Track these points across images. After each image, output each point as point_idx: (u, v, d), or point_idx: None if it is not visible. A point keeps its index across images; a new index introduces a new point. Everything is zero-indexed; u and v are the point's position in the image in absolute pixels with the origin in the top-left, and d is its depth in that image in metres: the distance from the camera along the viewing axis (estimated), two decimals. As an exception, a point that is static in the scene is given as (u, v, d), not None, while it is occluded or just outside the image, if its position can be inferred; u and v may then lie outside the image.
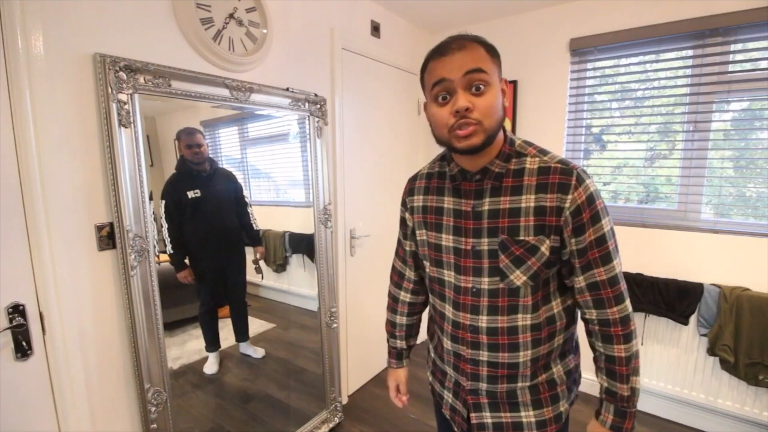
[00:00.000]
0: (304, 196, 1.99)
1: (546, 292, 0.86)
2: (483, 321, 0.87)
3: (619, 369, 0.83)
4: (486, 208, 0.84)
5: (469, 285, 0.87)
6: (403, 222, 1.06)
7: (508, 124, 2.55)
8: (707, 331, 1.94)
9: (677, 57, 2.08)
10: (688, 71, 2.06)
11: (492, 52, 0.79)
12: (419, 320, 1.17)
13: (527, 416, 0.90)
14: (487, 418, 0.93)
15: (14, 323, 1.08)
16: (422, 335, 1.42)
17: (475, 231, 0.85)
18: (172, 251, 1.51)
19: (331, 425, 2.10)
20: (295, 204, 2.02)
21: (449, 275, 0.91)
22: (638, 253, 2.17)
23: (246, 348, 1.86)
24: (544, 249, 0.80)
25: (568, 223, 0.79)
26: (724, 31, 1.91)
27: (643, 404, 2.23)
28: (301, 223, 1.98)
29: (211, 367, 1.69)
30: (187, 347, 1.58)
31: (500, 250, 0.82)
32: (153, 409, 1.34)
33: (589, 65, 2.30)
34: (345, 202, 2.25)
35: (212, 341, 1.70)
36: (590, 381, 2.38)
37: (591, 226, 0.79)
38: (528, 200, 0.80)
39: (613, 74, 2.27)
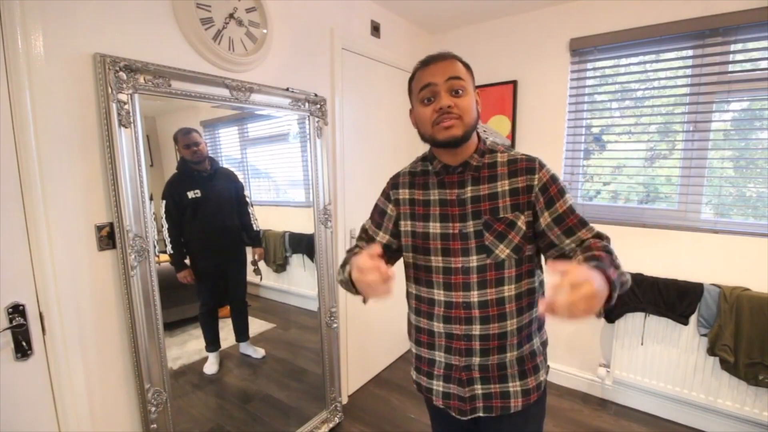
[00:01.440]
0: (304, 196, 1.99)
1: (529, 267, 0.98)
2: (474, 296, 0.97)
3: (598, 254, 0.81)
4: (469, 195, 0.97)
5: (459, 265, 0.97)
6: (382, 213, 1.09)
7: (507, 125, 2.56)
8: (707, 331, 1.94)
9: (677, 57, 2.08)
10: (688, 71, 2.06)
11: (467, 67, 0.96)
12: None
13: (514, 386, 1.01)
14: (478, 390, 1.01)
15: (14, 323, 1.08)
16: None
17: (461, 216, 0.97)
18: (172, 251, 1.51)
19: (331, 425, 2.10)
20: (295, 204, 2.02)
21: (437, 260, 1.00)
22: (638, 253, 2.17)
23: (246, 348, 1.86)
24: (521, 224, 0.95)
25: (539, 198, 0.94)
26: (724, 31, 1.91)
27: (643, 404, 2.23)
28: (301, 223, 1.98)
29: (211, 367, 1.69)
30: (187, 347, 1.58)
31: (484, 229, 0.95)
32: (153, 409, 1.34)
33: (589, 65, 2.30)
34: (345, 202, 2.25)
35: (212, 341, 1.70)
36: (565, 373, 2.39)
37: (560, 198, 0.94)
38: (503, 185, 0.96)
39: (613, 74, 2.27)
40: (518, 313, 0.98)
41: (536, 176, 0.94)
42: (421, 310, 1.05)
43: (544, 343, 1.07)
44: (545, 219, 0.94)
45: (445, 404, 1.05)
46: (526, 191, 0.94)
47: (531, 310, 1.00)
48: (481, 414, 1.02)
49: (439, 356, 1.04)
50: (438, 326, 1.02)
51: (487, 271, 0.96)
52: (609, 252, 0.85)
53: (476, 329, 0.98)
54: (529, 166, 0.95)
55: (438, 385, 1.05)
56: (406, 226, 1.05)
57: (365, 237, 1.13)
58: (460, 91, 0.91)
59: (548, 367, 1.09)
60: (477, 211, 0.96)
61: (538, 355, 1.04)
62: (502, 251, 0.95)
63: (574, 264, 0.74)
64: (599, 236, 0.93)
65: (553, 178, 0.95)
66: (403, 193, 1.06)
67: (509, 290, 0.96)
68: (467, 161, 0.97)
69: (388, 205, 1.09)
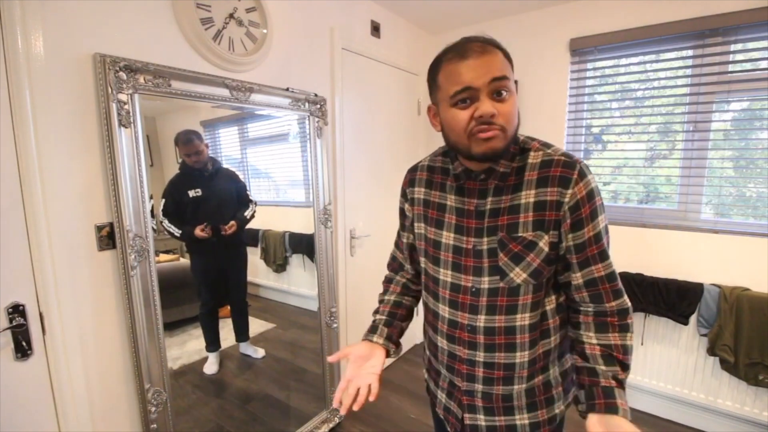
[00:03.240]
0: (304, 196, 1.99)
1: (547, 291, 0.85)
2: (481, 321, 0.86)
3: (617, 356, 0.81)
4: (488, 207, 0.83)
5: (469, 284, 0.86)
6: (402, 213, 1.04)
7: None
8: (707, 331, 1.94)
9: (677, 57, 2.08)
10: (688, 71, 2.06)
11: (509, 57, 0.78)
12: (409, 310, 1.05)
13: (521, 419, 0.90)
14: (481, 420, 0.92)
15: (14, 323, 1.08)
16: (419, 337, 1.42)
17: (477, 230, 0.85)
18: (179, 231, 1.53)
19: (331, 425, 2.10)
20: (295, 204, 2.02)
21: (445, 274, 0.90)
22: (638, 253, 2.17)
23: (246, 348, 1.86)
24: (543, 244, 0.80)
25: (566, 217, 0.79)
26: (724, 31, 1.91)
27: (643, 404, 2.23)
28: (301, 223, 1.98)
29: (211, 367, 1.69)
30: (187, 347, 1.58)
31: (499, 248, 0.82)
32: (153, 409, 1.34)
33: (589, 65, 2.30)
34: (345, 202, 2.25)
35: (212, 341, 1.70)
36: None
37: (590, 222, 0.79)
38: (528, 196, 0.80)
39: (613, 74, 2.27)
40: (531, 345, 0.85)
41: (569, 191, 0.77)
42: (428, 320, 0.99)
43: (565, 373, 0.92)
44: (567, 242, 0.80)
45: (444, 417, 1.00)
46: (555, 207, 0.78)
47: (548, 339, 0.87)
48: None
49: (443, 371, 0.97)
50: (442, 342, 0.93)
51: (498, 295, 0.83)
52: (625, 350, 0.80)
53: (480, 356, 0.87)
54: (565, 174, 0.78)
55: (441, 396, 1.00)
56: (419, 228, 0.95)
57: (398, 241, 1.08)
58: (504, 93, 0.74)
59: (571, 397, 0.94)
60: (493, 227, 0.82)
61: (555, 387, 0.90)
62: (518, 275, 0.81)
63: (612, 423, 0.73)
64: (623, 301, 0.82)
65: (590, 195, 0.78)
66: (418, 192, 0.96)
67: (522, 319, 0.84)
68: (492, 167, 0.81)
69: (405, 204, 1.01)
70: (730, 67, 1.94)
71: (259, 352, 1.90)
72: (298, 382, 2.04)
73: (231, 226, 1.69)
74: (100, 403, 1.28)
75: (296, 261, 2.03)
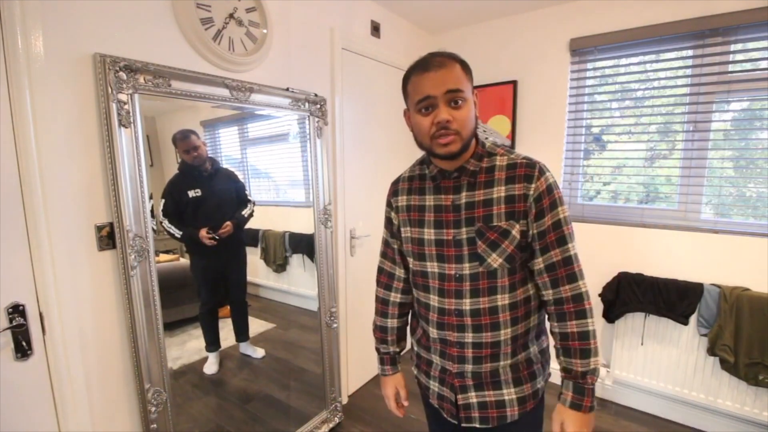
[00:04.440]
0: (304, 196, 1.99)
1: (523, 275, 0.97)
2: (467, 304, 0.96)
3: (572, 344, 0.92)
4: (463, 201, 0.95)
5: (453, 272, 0.96)
6: (388, 221, 1.12)
7: (507, 125, 2.56)
8: (707, 331, 1.94)
9: (677, 57, 2.08)
10: (688, 71, 2.06)
11: (466, 69, 0.91)
12: (407, 322, 1.19)
13: (509, 393, 0.99)
14: (473, 398, 1.00)
15: (14, 323, 1.08)
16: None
17: (455, 222, 0.95)
18: (180, 233, 1.53)
19: (331, 425, 2.10)
20: (295, 204, 2.02)
21: (432, 266, 0.99)
22: (638, 253, 2.17)
23: (246, 348, 1.86)
24: (515, 233, 0.92)
25: (532, 208, 0.91)
26: (724, 31, 1.91)
27: (644, 404, 2.23)
28: (301, 223, 1.98)
29: (211, 367, 1.69)
30: (187, 347, 1.58)
31: (477, 237, 0.93)
32: (153, 409, 1.34)
33: (589, 65, 2.30)
34: (345, 202, 2.25)
35: (212, 341, 1.70)
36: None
37: (549, 211, 0.91)
38: (499, 191, 0.92)
39: (613, 74, 2.27)
40: (513, 323, 0.96)
41: (533, 185, 0.91)
42: (420, 314, 1.08)
43: (543, 351, 1.05)
44: (533, 230, 0.92)
45: (439, 405, 1.07)
46: (522, 199, 0.91)
47: (527, 320, 0.98)
48: (477, 425, 1.01)
49: (435, 359, 1.06)
50: (433, 331, 1.03)
51: (479, 279, 0.94)
52: (582, 335, 0.92)
53: (469, 337, 0.97)
54: (528, 173, 0.91)
55: (434, 386, 1.07)
56: (406, 232, 1.05)
57: (386, 250, 1.16)
58: (459, 102, 0.88)
59: (549, 374, 1.08)
60: (470, 218, 0.94)
61: (536, 363, 1.02)
62: (495, 260, 0.93)
63: (568, 420, 0.94)
64: (577, 285, 0.92)
65: (549, 189, 0.91)
66: (402, 200, 1.06)
67: (502, 299, 0.95)
68: (463, 166, 0.95)
69: (391, 212, 1.10)
70: (730, 67, 1.94)
71: (259, 352, 1.90)
72: (298, 382, 2.04)
73: (225, 228, 1.68)
74: (100, 403, 1.28)
75: (296, 261, 2.03)
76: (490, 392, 0.99)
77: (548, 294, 0.95)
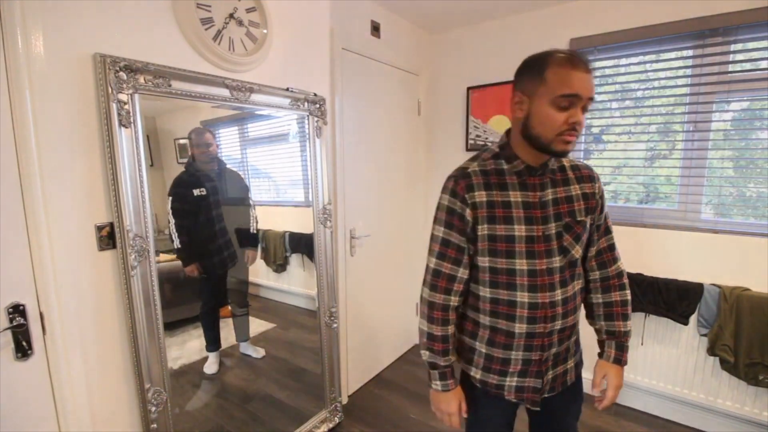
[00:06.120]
0: (304, 195, 1.99)
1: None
2: (558, 295, 1.01)
3: (616, 310, 1.11)
4: (549, 197, 1.01)
5: (544, 267, 1.00)
6: (459, 218, 1.01)
7: (507, 125, 2.55)
8: (707, 331, 1.94)
9: (677, 57, 2.08)
10: (688, 71, 2.06)
11: None
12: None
13: (570, 364, 1.12)
14: (549, 374, 1.08)
15: (14, 323, 1.08)
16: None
17: (544, 218, 1.00)
18: (179, 245, 1.51)
19: (330, 425, 2.10)
20: (294, 204, 2.02)
21: (521, 263, 1.00)
22: (638, 253, 2.17)
23: (246, 348, 1.86)
24: (588, 226, 1.06)
25: (598, 204, 1.07)
26: (724, 31, 1.91)
27: (644, 404, 2.23)
28: (300, 222, 1.98)
29: (211, 367, 1.69)
30: (187, 347, 1.58)
31: (564, 231, 1.01)
32: (153, 409, 1.34)
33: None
34: (345, 202, 2.25)
35: (213, 341, 1.70)
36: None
37: (605, 207, 1.12)
38: (576, 189, 1.05)
39: (613, 74, 2.27)
40: (579, 304, 1.09)
41: (597, 185, 1.08)
42: (499, 312, 1.02)
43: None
44: (596, 222, 1.09)
45: (518, 398, 1.08)
46: (593, 197, 1.06)
47: (581, 296, 1.12)
48: (546, 395, 1.09)
49: (516, 355, 1.04)
50: (520, 327, 1.01)
51: (565, 270, 1.02)
52: (623, 303, 1.12)
53: (558, 324, 1.02)
54: (590, 174, 1.09)
55: (512, 381, 1.06)
56: (483, 230, 0.99)
57: (445, 251, 1.03)
58: (587, 109, 0.95)
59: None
60: (558, 214, 1.01)
61: (578, 336, 1.16)
62: (577, 251, 1.03)
63: (611, 373, 1.11)
64: (618, 265, 1.13)
65: (602, 188, 1.10)
66: (480, 196, 0.99)
67: (579, 285, 1.07)
68: (546, 163, 1.01)
69: (466, 209, 0.99)
70: (730, 67, 1.94)
71: (259, 352, 1.90)
72: (298, 382, 2.04)
73: (252, 258, 1.86)
74: (100, 402, 1.28)
75: (296, 261, 2.04)
76: (560, 366, 1.09)
77: (595, 274, 1.12)
